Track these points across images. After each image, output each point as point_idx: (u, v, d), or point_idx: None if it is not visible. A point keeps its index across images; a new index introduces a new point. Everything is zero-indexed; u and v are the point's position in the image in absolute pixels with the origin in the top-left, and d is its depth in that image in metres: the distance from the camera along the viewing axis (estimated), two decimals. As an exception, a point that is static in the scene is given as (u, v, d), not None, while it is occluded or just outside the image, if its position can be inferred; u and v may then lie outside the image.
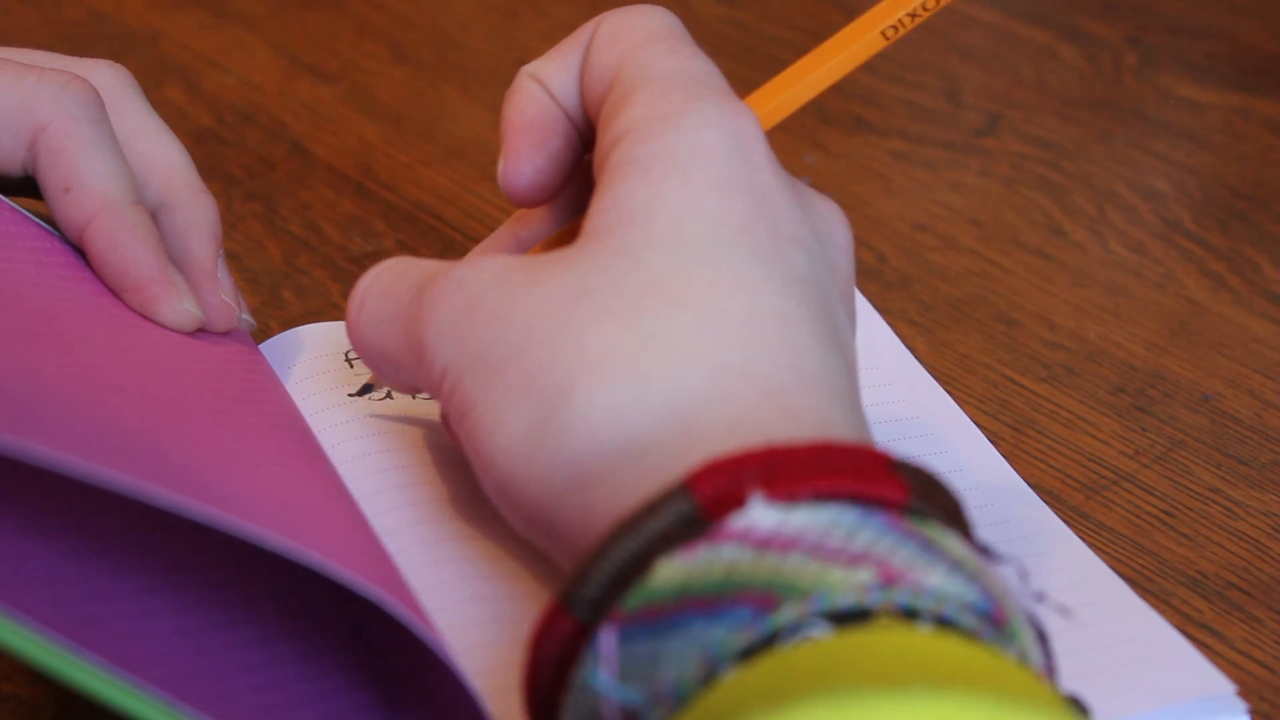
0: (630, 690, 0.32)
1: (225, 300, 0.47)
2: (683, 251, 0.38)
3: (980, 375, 0.56)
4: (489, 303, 0.39)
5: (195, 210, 0.48)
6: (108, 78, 0.48)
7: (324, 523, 0.40)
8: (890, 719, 0.27)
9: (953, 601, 0.32)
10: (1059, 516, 0.47)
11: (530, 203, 0.45)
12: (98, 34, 0.75)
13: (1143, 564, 0.48)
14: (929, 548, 0.33)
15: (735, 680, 0.31)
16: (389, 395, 0.48)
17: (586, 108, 0.43)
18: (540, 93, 0.44)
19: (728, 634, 0.32)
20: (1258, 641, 0.45)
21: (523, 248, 0.46)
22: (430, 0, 0.80)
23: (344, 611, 0.41)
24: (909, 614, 0.32)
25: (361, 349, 0.43)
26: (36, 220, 0.46)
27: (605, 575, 0.34)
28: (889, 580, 0.32)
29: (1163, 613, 0.44)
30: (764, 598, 0.32)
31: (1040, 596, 0.37)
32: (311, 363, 0.49)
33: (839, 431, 0.36)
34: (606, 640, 0.33)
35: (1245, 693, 0.41)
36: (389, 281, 0.42)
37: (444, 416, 0.42)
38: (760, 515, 0.33)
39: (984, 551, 0.35)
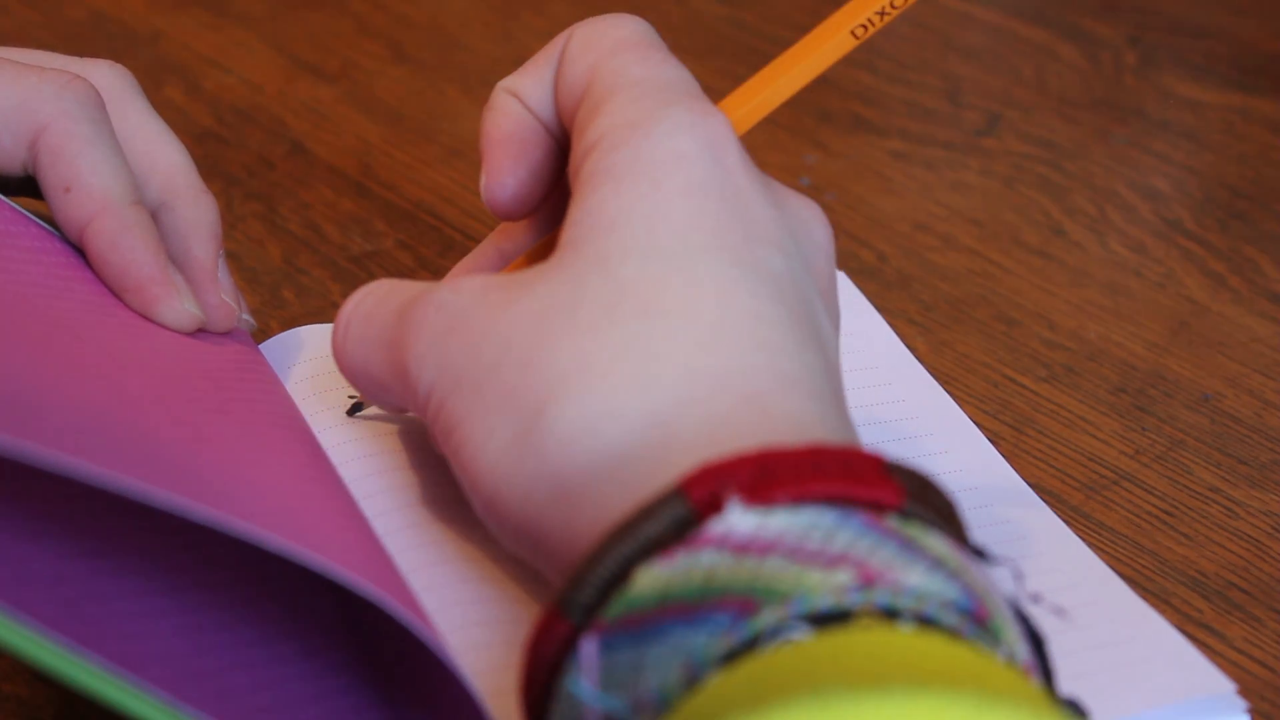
0: (612, 698, 0.33)
1: (225, 300, 0.47)
2: (654, 259, 0.38)
3: (980, 375, 0.56)
4: (468, 323, 0.39)
5: (195, 210, 0.48)
6: (108, 78, 0.48)
7: (324, 523, 0.40)
8: (871, 719, 0.27)
9: (933, 600, 0.32)
10: (1059, 516, 0.47)
11: (514, 216, 0.45)
12: (98, 34, 0.75)
13: (1143, 564, 0.48)
14: (908, 547, 0.33)
15: (717, 684, 0.31)
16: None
17: (562, 119, 0.44)
18: (517, 107, 0.44)
19: (708, 640, 0.32)
20: (1258, 641, 0.45)
21: (506, 261, 0.46)
22: (430, 0, 0.80)
23: (343, 612, 0.41)
24: (889, 614, 0.32)
25: (348, 373, 0.43)
26: (37, 220, 0.46)
27: (600, 580, 0.34)
28: (868, 581, 0.32)
29: (1163, 613, 0.44)
30: (743, 602, 0.32)
31: (1036, 597, 0.37)
32: (312, 363, 0.49)
33: (819, 432, 0.36)
34: (587, 649, 0.33)
35: (1245, 693, 0.41)
36: (372, 306, 0.42)
37: (432, 435, 0.43)
38: (738, 520, 0.33)
39: (978, 553, 0.35)
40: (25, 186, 0.47)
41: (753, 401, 0.37)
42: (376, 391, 0.43)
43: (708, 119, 0.40)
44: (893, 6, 0.44)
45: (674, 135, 0.40)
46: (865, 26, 0.44)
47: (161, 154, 0.48)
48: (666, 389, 0.37)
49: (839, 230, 0.63)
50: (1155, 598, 0.46)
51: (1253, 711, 0.41)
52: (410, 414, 0.46)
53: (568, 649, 0.34)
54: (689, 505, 0.34)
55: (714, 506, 0.33)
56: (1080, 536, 0.47)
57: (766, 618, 0.31)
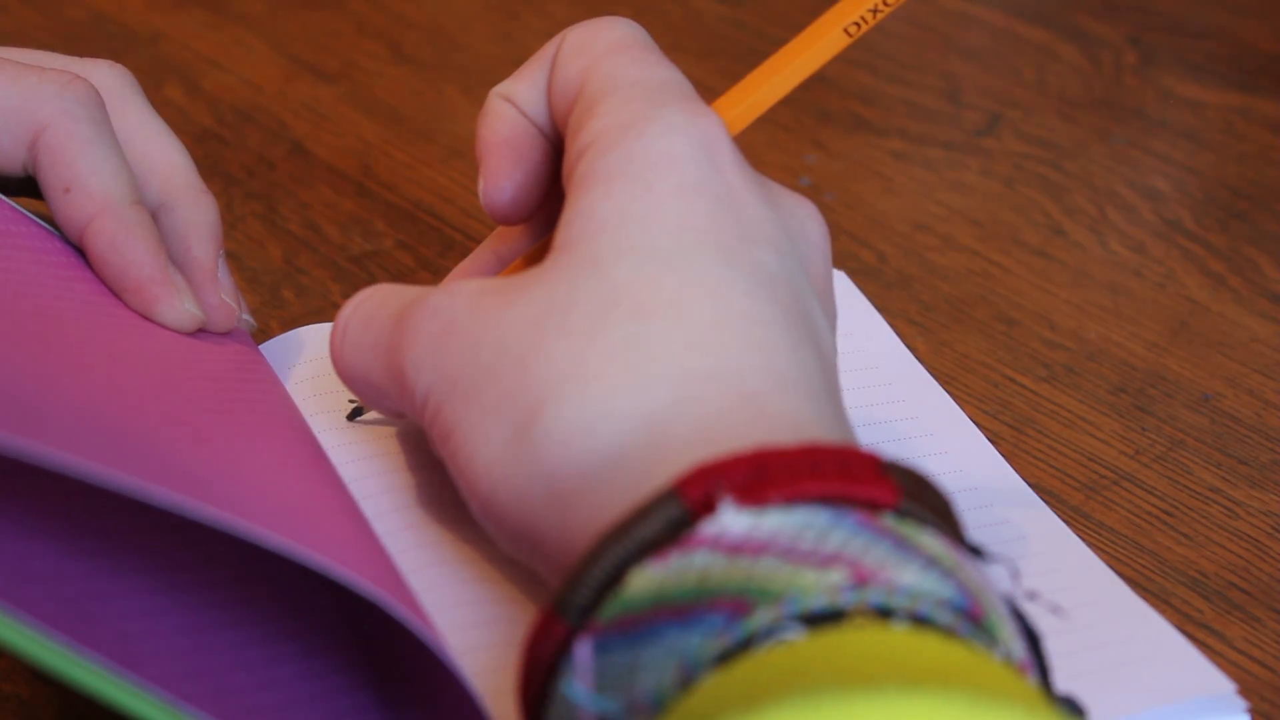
0: (606, 700, 0.33)
1: (225, 300, 0.47)
2: (647, 259, 0.38)
3: (980, 375, 0.56)
4: (463, 327, 0.39)
5: (196, 210, 0.48)
6: (108, 78, 0.48)
7: (324, 523, 0.40)
8: (863, 718, 0.27)
9: (927, 598, 0.32)
10: (1059, 516, 0.47)
11: (512, 220, 0.45)
12: (98, 34, 0.75)
13: (1143, 564, 0.48)
14: (902, 546, 0.33)
15: (712, 685, 0.31)
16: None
17: (556, 122, 0.44)
18: (512, 111, 0.44)
19: (702, 641, 0.32)
20: (1258, 641, 0.45)
21: (503, 264, 0.46)
22: (430, 0, 0.80)
23: (343, 612, 0.41)
24: (883, 613, 0.32)
25: (346, 378, 0.43)
26: (37, 220, 0.46)
27: (595, 582, 0.34)
28: (861, 580, 0.32)
29: (1163, 613, 0.44)
30: (737, 603, 0.32)
31: (1032, 595, 0.37)
32: (311, 364, 0.49)
33: (815, 430, 0.36)
34: (581, 651, 0.33)
35: (1245, 692, 0.41)
36: (369, 311, 0.42)
37: (430, 439, 0.43)
38: (731, 520, 0.33)
39: (975, 551, 0.35)
40: (25, 186, 0.47)
41: (748, 401, 0.37)
42: (375, 396, 0.43)
43: (700, 119, 0.40)
44: (885, 4, 0.44)
45: (666, 136, 0.40)
46: (858, 24, 0.44)
47: (161, 154, 0.48)
48: (661, 389, 0.37)
49: (839, 230, 0.63)
50: (1155, 598, 0.46)
51: (1253, 711, 0.41)
52: (409, 419, 0.46)
53: (564, 651, 0.34)
54: (683, 506, 0.34)
55: (708, 507, 0.33)
56: (1080, 536, 0.47)
57: (760, 618, 0.31)
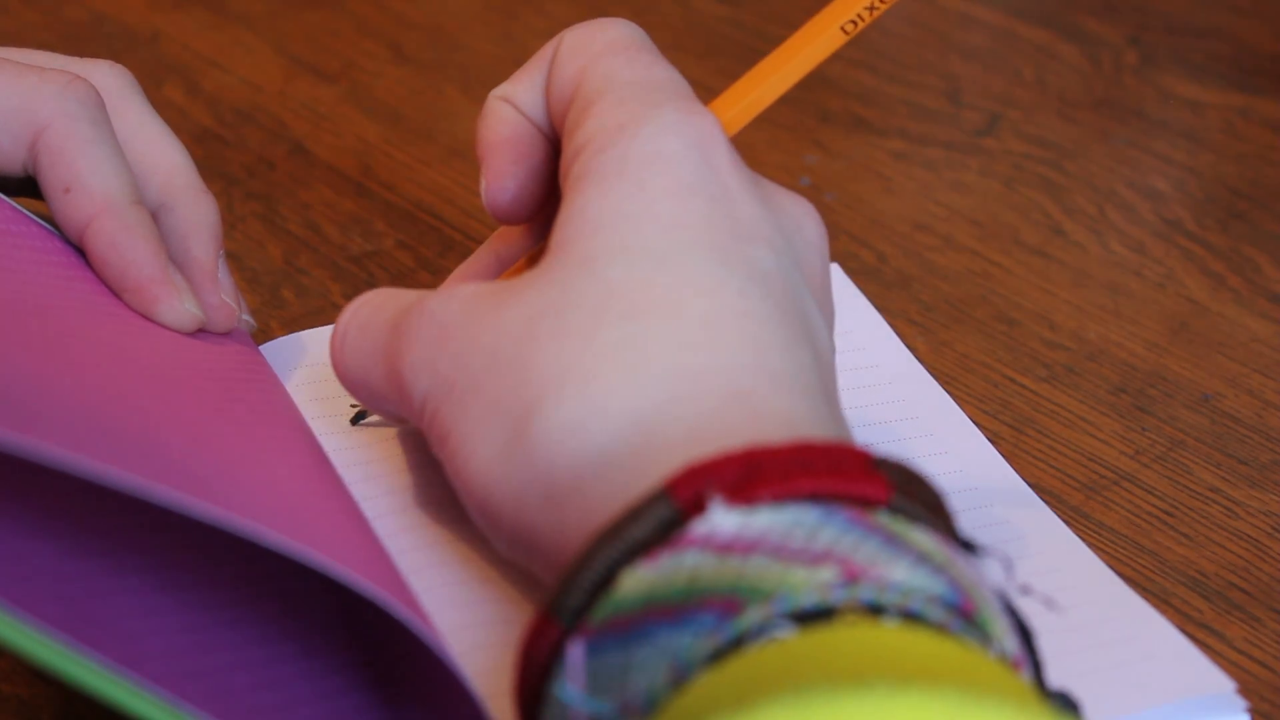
0: (599, 702, 0.33)
1: (225, 300, 0.47)
2: (641, 259, 0.38)
3: (980, 375, 0.56)
4: (458, 331, 0.39)
5: (196, 210, 0.48)
6: (108, 78, 0.48)
7: (324, 522, 0.40)
8: (853, 716, 0.27)
9: (918, 595, 0.32)
10: (1059, 516, 0.47)
11: (515, 219, 0.45)
12: (98, 34, 0.75)
13: (1143, 564, 0.48)
14: (893, 542, 0.33)
15: (703, 685, 0.31)
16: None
17: (554, 122, 0.44)
18: (511, 112, 0.44)
19: (693, 640, 0.32)
20: (1258, 641, 0.45)
21: (504, 265, 0.46)
22: (430, 0, 0.80)
23: (344, 612, 0.41)
24: (874, 609, 0.32)
25: (346, 383, 0.43)
26: (37, 220, 0.46)
27: (588, 583, 0.34)
28: (852, 577, 0.32)
29: (1163, 613, 0.44)
30: (728, 602, 0.32)
31: (1025, 589, 0.37)
32: (312, 368, 0.49)
33: (808, 428, 0.36)
34: (573, 652, 0.33)
35: (1245, 692, 0.41)
36: (367, 316, 0.43)
37: (429, 443, 0.43)
38: (721, 520, 0.33)
39: (966, 545, 0.35)
40: (25, 187, 0.47)
41: (741, 399, 0.37)
42: (375, 401, 0.43)
43: (695, 119, 0.40)
44: (881, 2, 0.44)
45: (660, 135, 0.40)
46: (855, 22, 0.44)
47: (162, 154, 0.48)
48: (654, 388, 0.37)
49: (839, 230, 0.63)
50: (1155, 598, 0.46)
51: (1253, 711, 0.41)
52: (409, 423, 0.46)
53: (558, 652, 0.34)
54: (675, 506, 0.34)
55: (699, 507, 0.33)
56: (1080, 536, 0.47)
57: (751, 617, 0.31)
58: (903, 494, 0.34)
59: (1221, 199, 0.66)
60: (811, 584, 0.32)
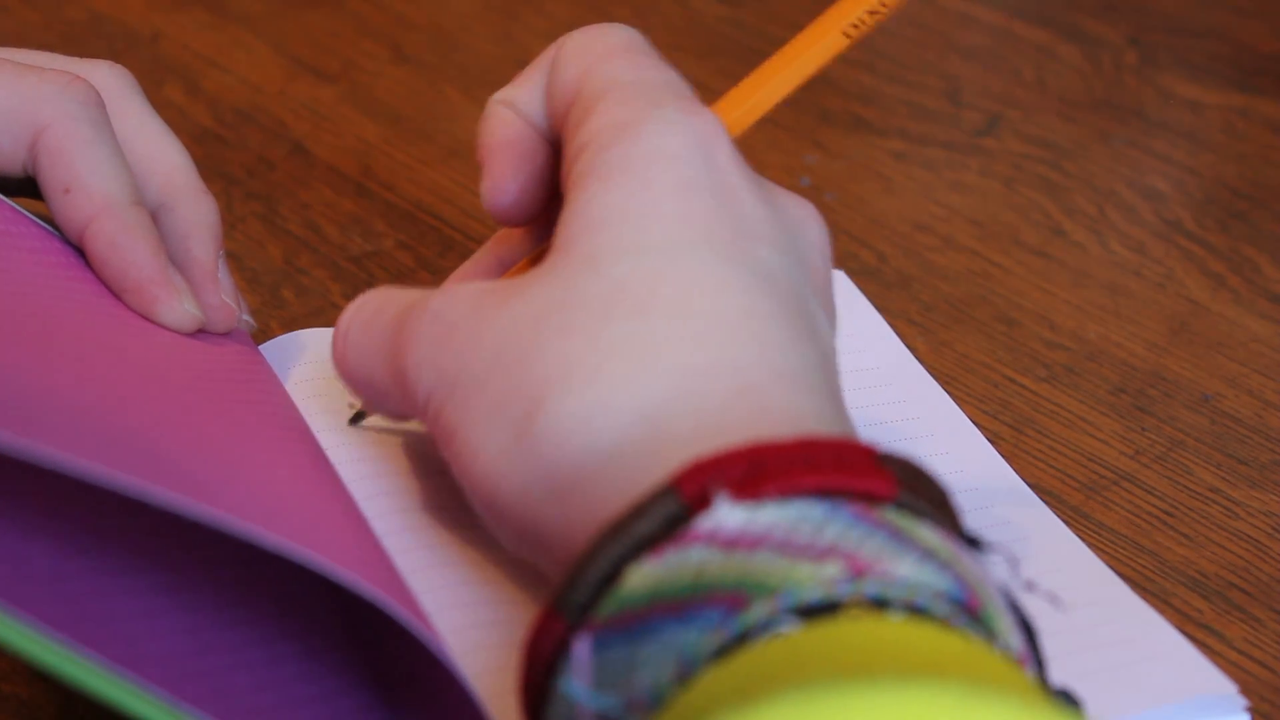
0: (605, 697, 0.33)
1: (226, 301, 0.47)
2: (645, 256, 0.38)
3: (980, 375, 0.56)
4: (463, 329, 0.39)
5: (196, 211, 0.48)
6: (108, 78, 0.48)
7: (324, 524, 0.40)
8: (858, 710, 0.27)
9: (924, 590, 0.32)
10: (1059, 516, 0.47)
11: (515, 221, 0.45)
12: (98, 34, 0.75)
13: (1143, 564, 0.48)
14: (898, 537, 0.33)
15: (709, 680, 0.31)
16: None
17: (554, 126, 0.44)
18: (512, 116, 0.44)
19: (699, 636, 0.32)
20: (1258, 641, 0.45)
21: (505, 267, 0.46)
22: (430, 0, 0.80)
23: (344, 613, 0.41)
24: (879, 604, 0.32)
25: (349, 381, 0.43)
26: (37, 220, 0.46)
27: (594, 579, 0.34)
28: (857, 572, 0.32)
29: (1163, 613, 0.44)
30: (734, 598, 0.32)
31: (1030, 585, 0.37)
32: (311, 366, 0.49)
33: (814, 424, 0.36)
34: (579, 648, 0.33)
35: (1245, 692, 0.41)
36: (369, 315, 0.43)
37: (434, 441, 0.43)
38: (726, 515, 0.33)
39: (971, 541, 0.35)
40: (25, 187, 0.47)
41: (746, 395, 0.37)
42: (378, 399, 0.43)
43: (697, 118, 0.40)
44: (883, 5, 0.44)
45: (663, 134, 0.40)
46: (857, 25, 0.44)
47: (162, 154, 0.48)
48: (659, 385, 0.37)
49: (839, 230, 0.63)
50: (1155, 598, 0.46)
51: (1253, 711, 0.41)
52: (411, 422, 0.46)
53: (563, 649, 0.34)
54: (681, 502, 0.34)
55: (705, 502, 0.33)
56: (1080, 536, 0.47)
57: (756, 612, 0.31)
58: (908, 490, 0.34)
59: (1221, 199, 0.66)
60: (817, 579, 0.32)
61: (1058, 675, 0.36)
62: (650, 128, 0.40)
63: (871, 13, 0.44)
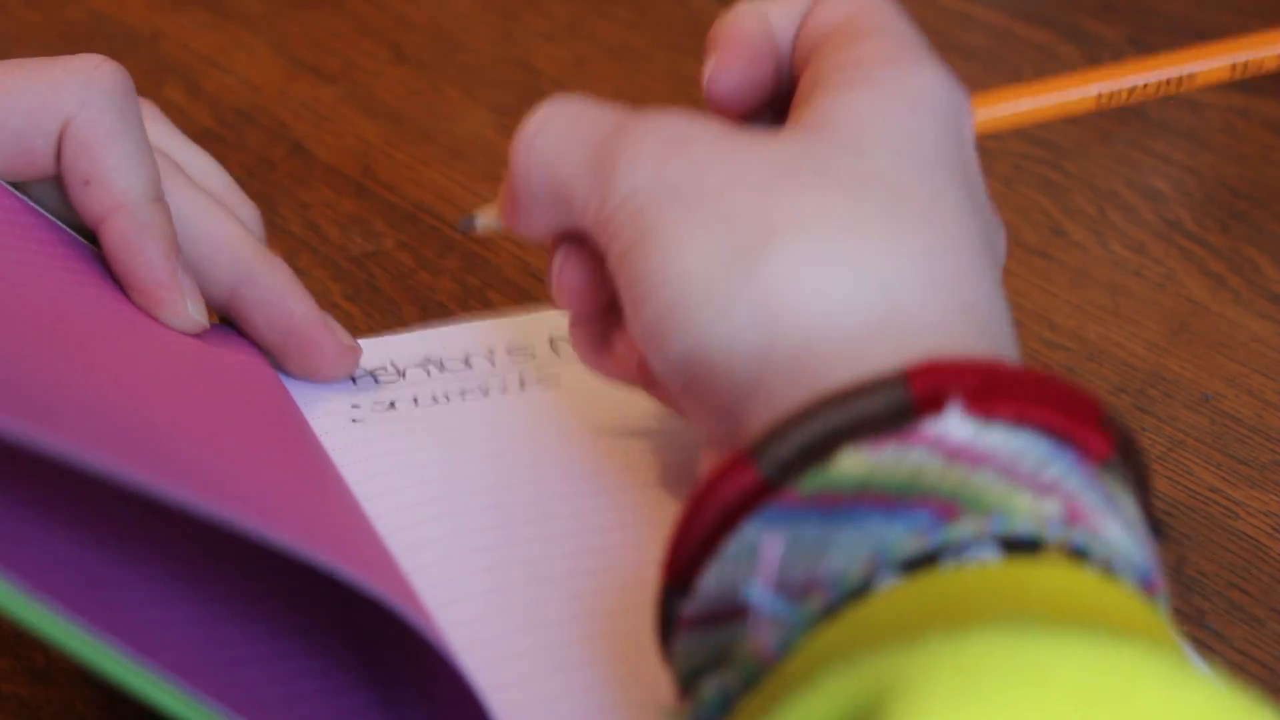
0: (789, 571, 0.32)
1: (346, 343, 0.48)
2: (907, 164, 0.38)
3: (980, 375, 0.55)
4: (705, 144, 0.38)
5: (273, 274, 0.47)
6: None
7: (327, 523, 0.40)
8: (1073, 659, 0.26)
9: (1122, 558, 0.32)
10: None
11: (727, 105, 0.44)
12: (98, 34, 0.75)
13: (1143, 564, 0.48)
14: (1111, 500, 0.33)
15: (894, 595, 0.30)
16: (415, 401, 0.48)
17: (796, 56, 0.43)
18: (761, 21, 0.44)
19: (903, 534, 0.31)
20: (1258, 641, 0.45)
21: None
22: (430, 0, 0.80)
23: (346, 611, 0.41)
24: (1079, 555, 0.31)
25: (529, 167, 0.41)
26: (48, 214, 0.46)
27: (804, 440, 0.33)
28: (1074, 518, 0.32)
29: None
30: (947, 506, 0.31)
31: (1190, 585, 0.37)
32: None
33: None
34: (777, 512, 0.32)
35: (1245, 693, 0.41)
36: (580, 109, 0.41)
37: (601, 245, 0.40)
38: (956, 425, 0.33)
39: (1154, 526, 0.35)
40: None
41: (974, 315, 0.36)
42: (546, 195, 0.41)
43: (959, 91, 0.41)
44: (1180, 84, 0.45)
45: (934, 82, 0.40)
46: (1131, 91, 0.45)
47: (217, 230, 0.47)
48: (908, 269, 0.36)
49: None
50: (1155, 598, 0.46)
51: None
52: (550, 236, 0.43)
53: (749, 500, 0.33)
54: (909, 394, 0.33)
55: (933, 404, 0.33)
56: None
57: (965, 527, 0.31)
58: (1122, 456, 0.34)
59: (1221, 199, 0.66)
60: (1033, 512, 0.31)
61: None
62: (924, 71, 0.40)
63: (1176, 81, 0.45)
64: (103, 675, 0.32)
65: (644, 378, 0.43)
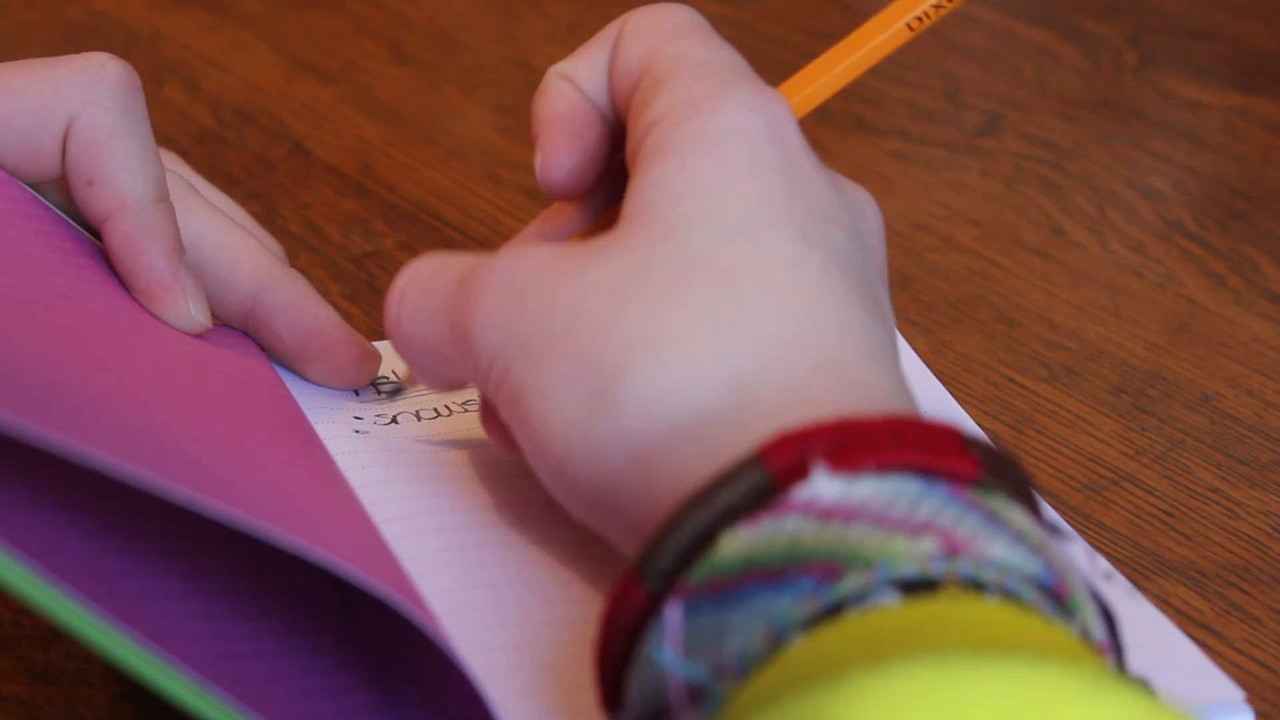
0: (693, 665, 0.33)
1: (371, 347, 0.48)
2: (725, 230, 0.38)
3: (980, 375, 0.56)
4: (535, 290, 0.39)
5: (292, 286, 0.48)
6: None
7: (329, 523, 0.40)
8: (993, 686, 0.27)
9: (1015, 574, 0.32)
10: (1059, 517, 0.47)
11: (567, 195, 0.45)
12: (98, 34, 0.75)
13: (1143, 564, 0.48)
14: (992, 519, 0.33)
15: (802, 647, 0.31)
16: (416, 416, 0.48)
17: (615, 102, 0.44)
18: (571, 90, 0.44)
19: (792, 604, 0.32)
20: (1258, 641, 0.45)
21: None
22: (430, 0, 0.80)
23: (349, 611, 0.41)
24: (974, 585, 0.32)
25: (403, 344, 0.43)
26: (56, 210, 0.46)
27: (678, 545, 0.34)
28: (952, 550, 0.32)
29: (1163, 613, 0.44)
30: (828, 567, 0.32)
31: (1109, 575, 0.37)
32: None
33: (895, 402, 0.37)
34: (672, 614, 0.33)
35: (1245, 693, 0.41)
36: (429, 275, 0.42)
37: (485, 411, 0.42)
38: (823, 486, 0.33)
39: (1052, 529, 0.35)
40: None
41: (831, 369, 0.37)
42: (432, 363, 0.42)
43: (769, 100, 0.41)
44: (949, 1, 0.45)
45: (739, 113, 0.40)
46: (921, 19, 0.45)
47: (235, 243, 0.48)
48: (745, 354, 0.37)
49: (839, 230, 0.63)
50: (1155, 598, 0.46)
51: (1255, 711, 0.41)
52: (463, 387, 0.45)
53: (646, 615, 0.34)
54: (768, 473, 0.34)
55: (794, 473, 0.33)
56: (1080, 537, 0.47)
57: (851, 583, 0.31)
58: (990, 474, 0.34)
59: (1221, 199, 0.66)
60: (913, 554, 0.32)
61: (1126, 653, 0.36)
62: (726, 106, 0.40)
63: (937, 6, 0.45)
64: (117, 664, 0.32)
65: None
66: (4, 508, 0.36)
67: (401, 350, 0.43)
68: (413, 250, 0.61)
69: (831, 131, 0.70)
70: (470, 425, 0.47)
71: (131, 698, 0.42)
